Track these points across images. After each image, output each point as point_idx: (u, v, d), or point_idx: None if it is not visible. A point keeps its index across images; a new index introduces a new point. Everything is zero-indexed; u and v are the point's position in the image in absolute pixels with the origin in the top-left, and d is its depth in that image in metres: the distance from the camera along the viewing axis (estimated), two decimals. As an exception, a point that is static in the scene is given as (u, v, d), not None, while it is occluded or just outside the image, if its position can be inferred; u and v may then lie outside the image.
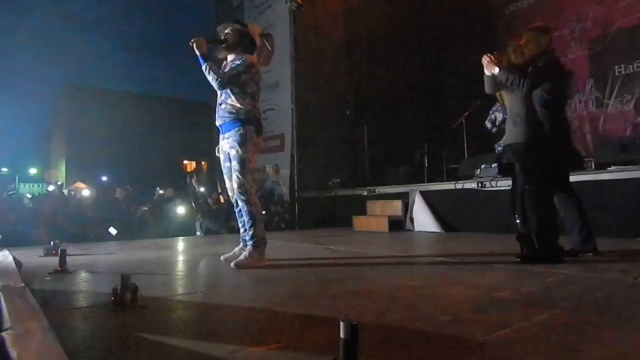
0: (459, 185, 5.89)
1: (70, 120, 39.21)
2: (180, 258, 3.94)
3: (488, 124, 6.57)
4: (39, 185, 30.58)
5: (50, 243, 3.88)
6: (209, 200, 6.94)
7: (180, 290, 2.43)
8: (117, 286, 1.88)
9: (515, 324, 1.54)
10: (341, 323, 1.06)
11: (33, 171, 38.67)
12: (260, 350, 1.34)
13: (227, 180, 3.29)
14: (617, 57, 6.83)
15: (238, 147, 3.06)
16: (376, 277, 2.63)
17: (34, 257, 3.71)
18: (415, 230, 6.07)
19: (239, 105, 3.10)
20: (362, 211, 6.93)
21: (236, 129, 3.09)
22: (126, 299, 1.87)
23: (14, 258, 3.34)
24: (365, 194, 7.32)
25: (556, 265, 2.75)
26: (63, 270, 2.86)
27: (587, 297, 1.96)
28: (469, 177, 5.94)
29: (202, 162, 44.92)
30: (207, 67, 3.07)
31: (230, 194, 3.29)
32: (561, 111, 3.04)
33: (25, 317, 1.73)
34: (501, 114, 6.42)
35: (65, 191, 11.51)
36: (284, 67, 8.96)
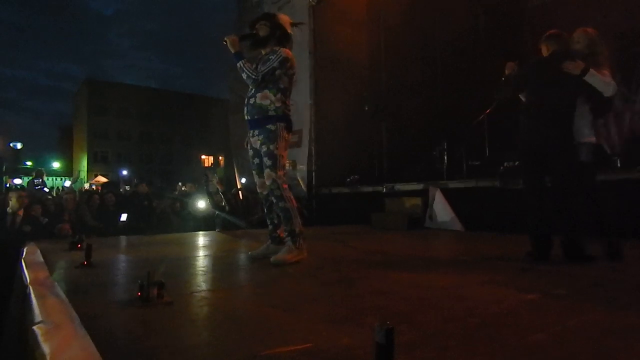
0: (480, 184, 5.80)
1: (91, 115, 40.03)
2: (203, 253, 3.96)
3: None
4: (61, 179, 31.34)
5: (75, 237, 3.96)
6: (227, 196, 6.98)
7: (204, 286, 2.44)
8: (144, 282, 1.90)
9: (549, 328, 1.50)
10: (376, 326, 1.04)
11: (56, 165, 39.59)
12: (287, 351, 1.32)
13: (256, 177, 3.25)
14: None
15: (269, 143, 3.02)
16: (400, 276, 2.59)
17: (59, 251, 3.78)
18: (435, 228, 6.00)
19: (269, 100, 3.04)
20: (381, 208, 6.88)
21: (266, 126, 3.04)
22: (153, 294, 1.89)
23: (40, 251, 3.42)
24: (384, 190, 7.27)
25: (585, 266, 2.68)
26: (89, 264, 2.91)
27: (620, 301, 1.90)
28: (491, 175, 5.83)
29: (220, 157, 45.40)
30: (241, 66, 3.04)
31: (259, 190, 3.26)
32: None
33: (56, 311, 1.76)
34: None
35: (87, 185, 11.73)
36: (303, 62, 8.93)
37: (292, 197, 3.10)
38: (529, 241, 3.05)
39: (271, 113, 3.04)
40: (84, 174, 35.46)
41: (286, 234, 3.04)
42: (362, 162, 8.58)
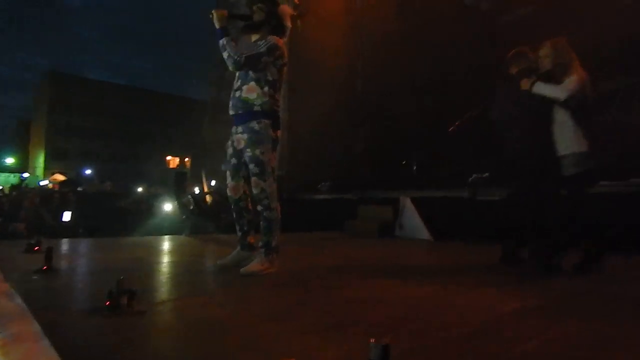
0: (450, 194, 5.90)
1: (52, 109, 38.29)
2: (172, 259, 3.81)
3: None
4: (14, 176, 29.71)
5: (32, 239, 3.71)
6: (197, 199, 6.80)
7: (176, 294, 2.33)
8: (113, 289, 1.78)
9: (535, 339, 1.50)
10: (371, 344, 0.99)
11: (10, 161, 37.59)
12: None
13: (229, 177, 3.01)
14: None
15: (254, 147, 2.78)
16: (383, 284, 2.56)
17: (15, 255, 3.54)
18: (405, 236, 6.04)
19: (255, 94, 2.77)
20: (353, 215, 6.89)
21: (250, 124, 2.79)
22: (123, 303, 1.77)
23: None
24: (355, 198, 7.28)
25: (561, 276, 2.75)
26: (50, 269, 2.72)
27: (601, 310, 1.94)
28: (461, 185, 5.95)
29: (186, 159, 44.41)
30: (224, 43, 2.73)
31: (230, 193, 3.04)
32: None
33: (15, 321, 1.62)
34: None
35: (45, 182, 11.16)
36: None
37: (279, 207, 2.91)
38: (502, 246, 3.14)
39: (257, 108, 2.78)
40: (40, 170, 33.82)
41: (261, 244, 2.87)
42: (336, 169, 8.58)
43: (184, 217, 6.42)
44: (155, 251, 4.22)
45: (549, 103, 2.99)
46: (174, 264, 3.45)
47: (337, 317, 1.79)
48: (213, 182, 9.62)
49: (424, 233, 5.85)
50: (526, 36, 3.87)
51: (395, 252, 4.59)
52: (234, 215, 3.10)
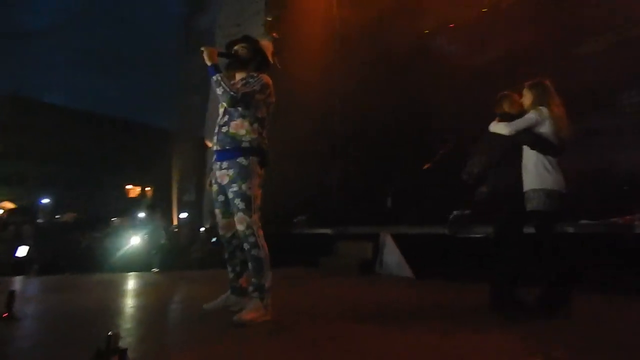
0: (430, 230, 5.86)
1: (6, 134, 36.28)
2: (147, 301, 3.48)
3: (464, 176, 6.65)
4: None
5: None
6: (168, 232, 6.44)
7: (166, 347, 2.07)
8: (102, 347, 1.53)
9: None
10: None
11: (-45, 187, 34.98)
12: None
13: (219, 216, 2.87)
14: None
15: (241, 182, 2.66)
16: (377, 332, 2.39)
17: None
18: (386, 274, 5.91)
19: (244, 130, 2.71)
20: (328, 251, 6.71)
21: (237, 159, 2.68)
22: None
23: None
24: (332, 233, 7.12)
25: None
26: (10, 316, 2.39)
27: None
28: (442, 221, 5.94)
29: (147, 188, 42.93)
30: (219, 79, 2.67)
31: (221, 232, 2.89)
32: None
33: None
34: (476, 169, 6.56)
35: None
36: (253, 97, 8.78)
37: (265, 245, 2.70)
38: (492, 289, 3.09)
39: (245, 145, 2.70)
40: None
41: (253, 287, 2.66)
42: (311, 203, 8.43)
43: (154, 252, 6.03)
44: (126, 292, 3.88)
45: (512, 141, 3.08)
46: (151, 308, 3.14)
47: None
48: (182, 215, 9.23)
49: (405, 270, 5.74)
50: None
51: (381, 291, 4.45)
52: (226, 256, 2.93)
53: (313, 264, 6.53)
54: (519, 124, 3.02)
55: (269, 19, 9.51)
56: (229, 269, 2.88)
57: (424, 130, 8.50)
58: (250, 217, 2.65)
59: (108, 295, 3.48)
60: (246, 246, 2.68)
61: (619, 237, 4.30)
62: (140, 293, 3.86)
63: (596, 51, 7.42)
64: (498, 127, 3.15)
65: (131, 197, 40.78)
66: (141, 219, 6.71)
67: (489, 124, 3.31)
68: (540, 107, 3.01)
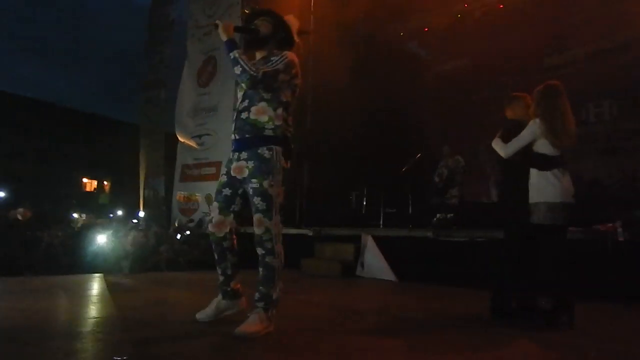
0: (413, 233, 5.81)
1: (-55, 122, 33.68)
2: (120, 309, 3.16)
3: (436, 179, 6.71)
4: None
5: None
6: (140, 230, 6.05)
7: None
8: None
9: None
10: None
11: None
12: None
13: (216, 211, 2.54)
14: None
15: (262, 178, 2.36)
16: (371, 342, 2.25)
17: None
18: (367, 276, 5.80)
19: (267, 116, 2.40)
20: (309, 253, 6.53)
21: (258, 150, 2.39)
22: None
23: None
24: (311, 234, 6.94)
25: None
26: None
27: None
28: (424, 224, 5.91)
29: (104, 182, 41.08)
30: (236, 56, 2.34)
31: (213, 229, 2.54)
32: None
33: None
34: (446, 171, 6.61)
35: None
36: (226, 92, 8.48)
37: (282, 252, 2.44)
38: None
39: (268, 133, 2.39)
40: None
41: (259, 296, 2.40)
42: (287, 202, 8.20)
43: (125, 251, 5.63)
44: (94, 298, 3.53)
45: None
46: (125, 315, 2.84)
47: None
48: (141, 213, 8.76)
49: (388, 274, 5.64)
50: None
51: (365, 295, 4.34)
52: (216, 257, 2.61)
53: (294, 265, 6.32)
54: (514, 145, 2.98)
55: (247, 11, 9.20)
56: (219, 271, 2.60)
57: (398, 130, 8.51)
58: (271, 219, 2.38)
59: (78, 301, 3.15)
60: (260, 251, 2.41)
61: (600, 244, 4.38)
62: (112, 298, 3.51)
63: (566, 62, 7.69)
64: (497, 147, 3.10)
65: (87, 191, 38.95)
66: (112, 218, 6.26)
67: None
68: (536, 120, 2.94)
